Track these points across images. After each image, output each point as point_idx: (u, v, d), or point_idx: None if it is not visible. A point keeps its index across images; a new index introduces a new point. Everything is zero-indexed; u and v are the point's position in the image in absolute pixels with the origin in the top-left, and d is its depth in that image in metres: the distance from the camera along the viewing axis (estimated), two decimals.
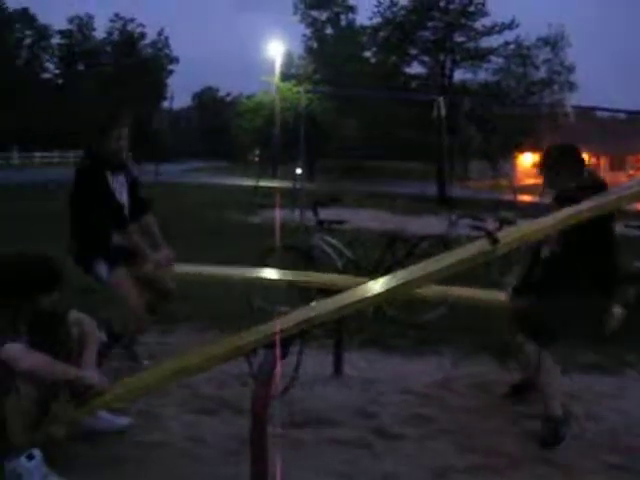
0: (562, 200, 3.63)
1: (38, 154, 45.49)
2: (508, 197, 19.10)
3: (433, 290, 4.30)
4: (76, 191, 4.32)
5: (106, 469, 3.14)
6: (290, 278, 4.90)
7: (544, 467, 3.31)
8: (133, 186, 4.51)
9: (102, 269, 4.26)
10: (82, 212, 4.29)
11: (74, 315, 3.28)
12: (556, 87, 36.89)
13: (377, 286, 3.34)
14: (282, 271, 5.08)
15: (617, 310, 3.75)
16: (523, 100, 34.27)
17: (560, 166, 3.81)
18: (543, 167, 3.95)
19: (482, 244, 3.21)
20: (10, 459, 2.91)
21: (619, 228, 4.09)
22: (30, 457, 2.90)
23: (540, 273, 3.76)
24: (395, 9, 34.32)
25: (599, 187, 3.69)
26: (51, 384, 3.03)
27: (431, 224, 10.77)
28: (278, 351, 2.90)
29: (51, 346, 3.04)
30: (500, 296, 4.15)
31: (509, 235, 3.35)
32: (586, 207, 3.33)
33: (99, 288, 4.55)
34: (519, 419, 3.86)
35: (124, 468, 3.17)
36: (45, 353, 2.96)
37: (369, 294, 3.23)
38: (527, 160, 43.73)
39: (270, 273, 5.02)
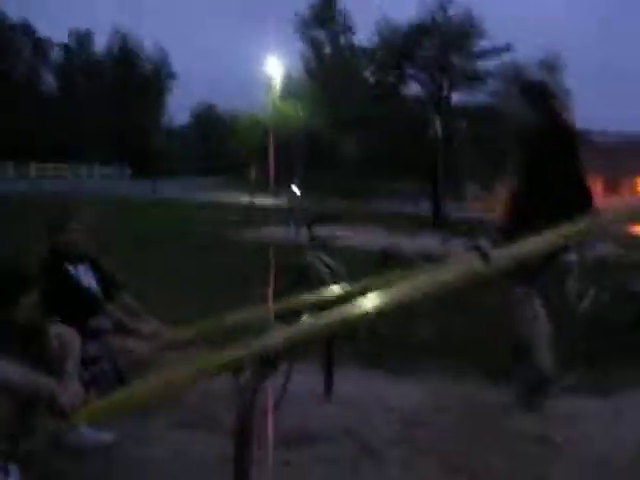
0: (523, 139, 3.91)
1: (34, 166, 45.46)
2: None
3: None
4: (44, 284, 4.14)
5: None
6: (279, 306, 4.57)
7: None
8: (99, 271, 4.22)
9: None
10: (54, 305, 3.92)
11: (56, 328, 3.22)
12: None
13: (367, 303, 3.28)
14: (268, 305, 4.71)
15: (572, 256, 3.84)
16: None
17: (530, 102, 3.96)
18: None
19: (473, 261, 3.17)
20: None
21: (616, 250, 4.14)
22: (6, 472, 2.83)
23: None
24: (393, 30, 34.59)
25: (567, 135, 3.72)
26: (30, 397, 2.96)
27: (425, 243, 10.74)
28: (266, 368, 2.85)
29: (31, 359, 2.98)
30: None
31: (501, 252, 3.30)
32: (573, 230, 3.35)
33: None
34: (508, 441, 3.79)
35: None
36: (24, 366, 2.89)
37: (359, 311, 3.18)
38: None
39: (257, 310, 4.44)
